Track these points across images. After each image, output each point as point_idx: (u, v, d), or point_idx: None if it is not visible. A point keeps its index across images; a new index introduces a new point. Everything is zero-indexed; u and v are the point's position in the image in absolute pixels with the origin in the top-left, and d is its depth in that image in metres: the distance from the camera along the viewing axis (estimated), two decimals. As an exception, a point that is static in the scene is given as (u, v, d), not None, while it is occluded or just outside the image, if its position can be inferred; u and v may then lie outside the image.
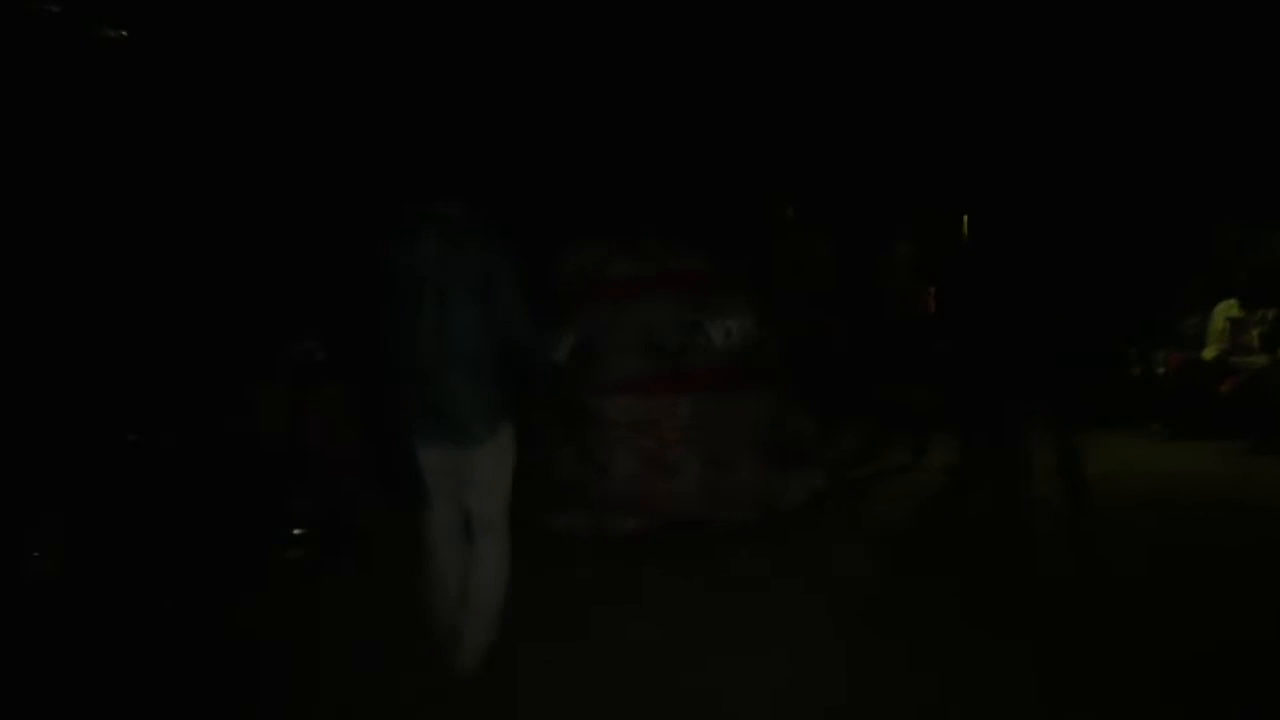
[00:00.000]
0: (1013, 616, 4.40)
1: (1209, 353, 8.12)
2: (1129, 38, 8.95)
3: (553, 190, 7.88)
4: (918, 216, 8.25)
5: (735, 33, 9.04)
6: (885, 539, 5.68)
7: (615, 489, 4.82)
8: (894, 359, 7.56)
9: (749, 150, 9.38)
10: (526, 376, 3.74)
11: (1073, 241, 6.15)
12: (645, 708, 3.55)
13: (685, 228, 5.42)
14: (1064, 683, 3.69)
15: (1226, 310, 8.15)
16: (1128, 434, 8.08)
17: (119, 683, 3.95)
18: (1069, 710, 3.51)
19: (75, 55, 6.66)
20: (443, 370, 3.45)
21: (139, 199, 7.01)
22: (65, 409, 5.51)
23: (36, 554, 4.89)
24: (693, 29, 8.90)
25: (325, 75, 7.80)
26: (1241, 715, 3.48)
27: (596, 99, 8.83)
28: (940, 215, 8.30)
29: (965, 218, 7.66)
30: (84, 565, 4.94)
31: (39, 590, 4.80)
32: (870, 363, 7.65)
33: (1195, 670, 3.76)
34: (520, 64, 8.48)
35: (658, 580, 4.79)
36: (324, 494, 5.84)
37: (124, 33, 6.90)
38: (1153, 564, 5.08)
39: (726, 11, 8.96)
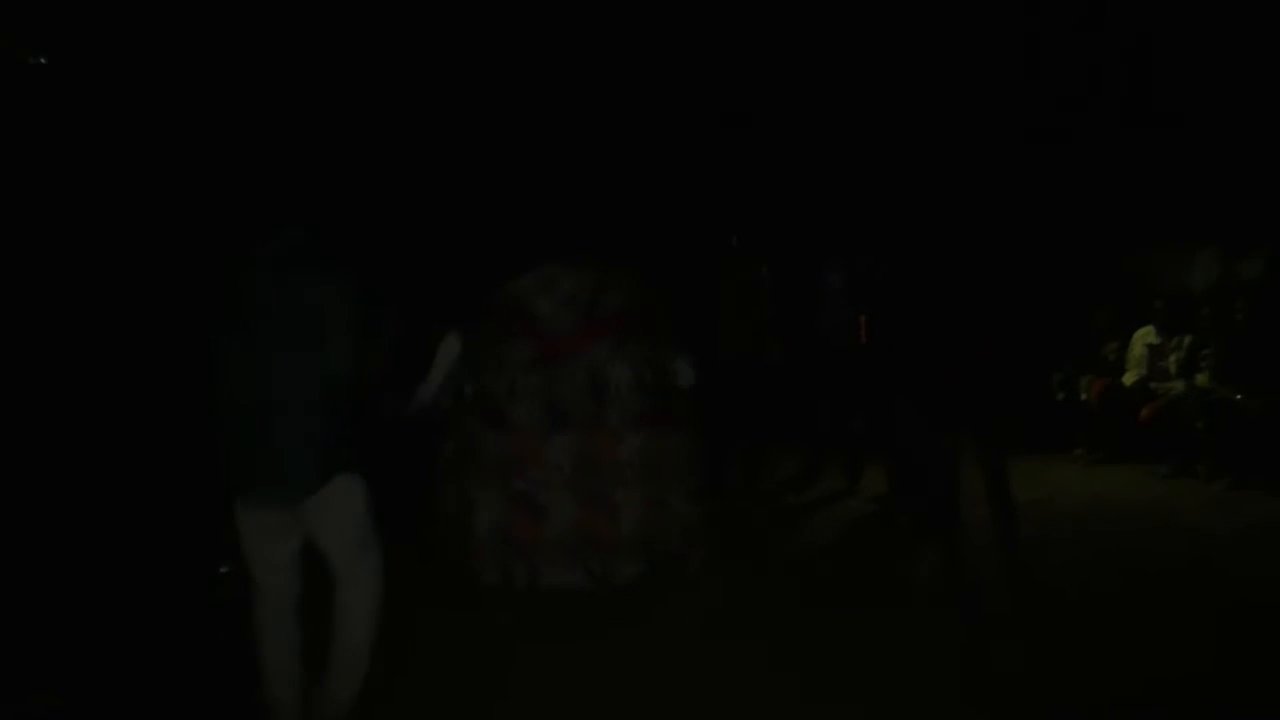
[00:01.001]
0: (947, 644, 4.34)
1: (1128, 378, 8.22)
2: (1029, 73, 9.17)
3: (483, 218, 7.69)
4: (848, 248, 8.28)
5: (680, 65, 9.02)
6: (814, 569, 5.59)
7: (553, 535, 4.40)
8: (830, 386, 7.55)
9: (690, 180, 9.34)
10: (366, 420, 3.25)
11: (998, 270, 6.19)
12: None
13: (619, 257, 5.18)
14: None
15: (1144, 337, 8.27)
16: (1052, 459, 8.15)
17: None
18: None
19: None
20: (267, 415, 2.99)
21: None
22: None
23: None
24: (635, 58, 8.85)
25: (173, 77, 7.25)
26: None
27: (529, 123, 8.69)
28: (868, 248, 8.34)
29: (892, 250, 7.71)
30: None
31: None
32: (809, 389, 7.64)
33: (1139, 694, 3.76)
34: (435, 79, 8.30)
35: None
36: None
37: None
38: (1084, 587, 5.11)
39: (668, 45, 8.95)
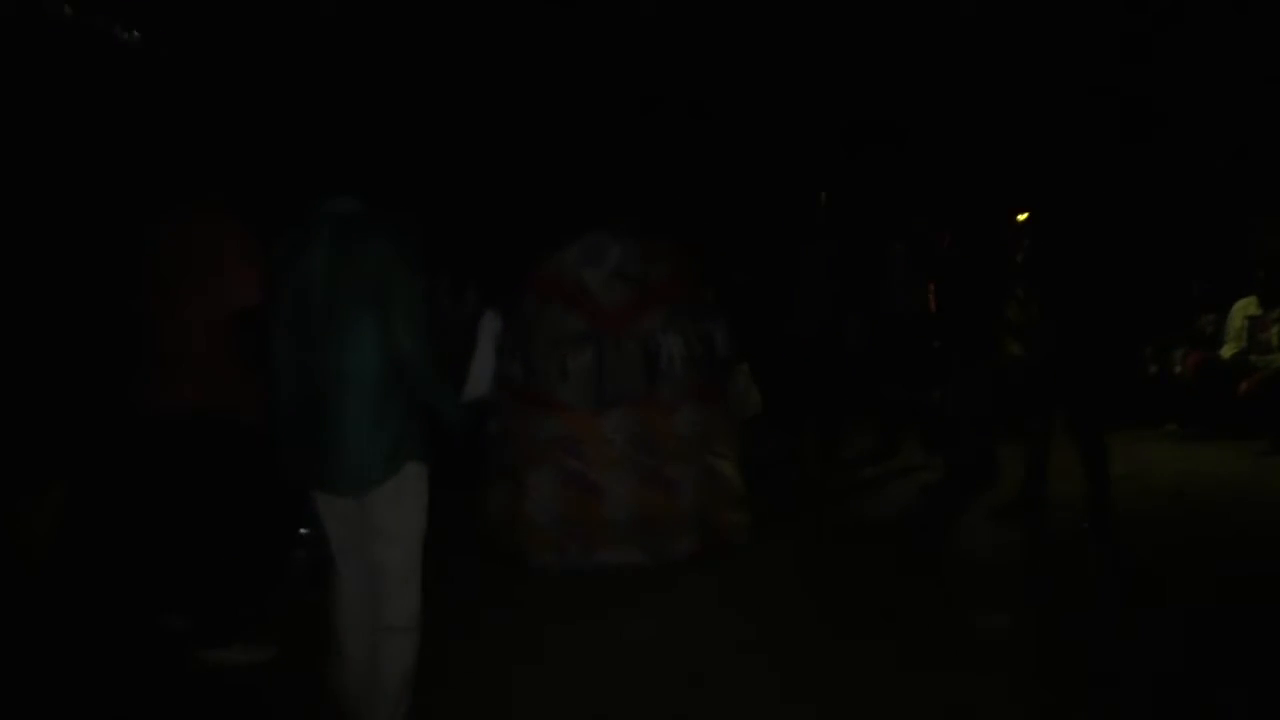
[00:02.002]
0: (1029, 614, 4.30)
1: (1227, 351, 7.77)
2: (1136, 38, 8.66)
3: (522, 189, 7.48)
4: (912, 216, 7.99)
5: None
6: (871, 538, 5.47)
7: (609, 514, 4.21)
8: (904, 358, 7.32)
9: (757, 147, 9.09)
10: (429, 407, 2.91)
11: (1100, 242, 5.90)
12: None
13: (665, 223, 4.98)
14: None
15: (1245, 308, 7.80)
16: (1143, 434, 7.77)
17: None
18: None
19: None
20: (330, 397, 2.77)
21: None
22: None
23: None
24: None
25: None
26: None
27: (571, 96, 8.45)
28: (935, 216, 8.04)
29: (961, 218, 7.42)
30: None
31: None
32: (881, 361, 7.39)
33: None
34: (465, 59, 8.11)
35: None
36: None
37: None
38: (1176, 562, 4.87)
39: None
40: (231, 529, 3.76)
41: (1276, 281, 7.64)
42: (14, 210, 5.16)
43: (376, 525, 2.87)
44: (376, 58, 7.28)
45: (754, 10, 8.54)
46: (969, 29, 8.80)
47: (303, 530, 5.22)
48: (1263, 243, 8.60)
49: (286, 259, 2.86)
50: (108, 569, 4.12)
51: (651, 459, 4.08)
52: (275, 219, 3.07)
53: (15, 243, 4.97)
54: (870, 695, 3.45)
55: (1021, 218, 9.02)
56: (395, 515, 2.85)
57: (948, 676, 3.59)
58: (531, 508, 4.15)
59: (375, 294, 2.75)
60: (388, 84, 7.30)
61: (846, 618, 4.13)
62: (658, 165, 8.29)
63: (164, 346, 3.71)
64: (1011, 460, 6.13)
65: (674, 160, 8.51)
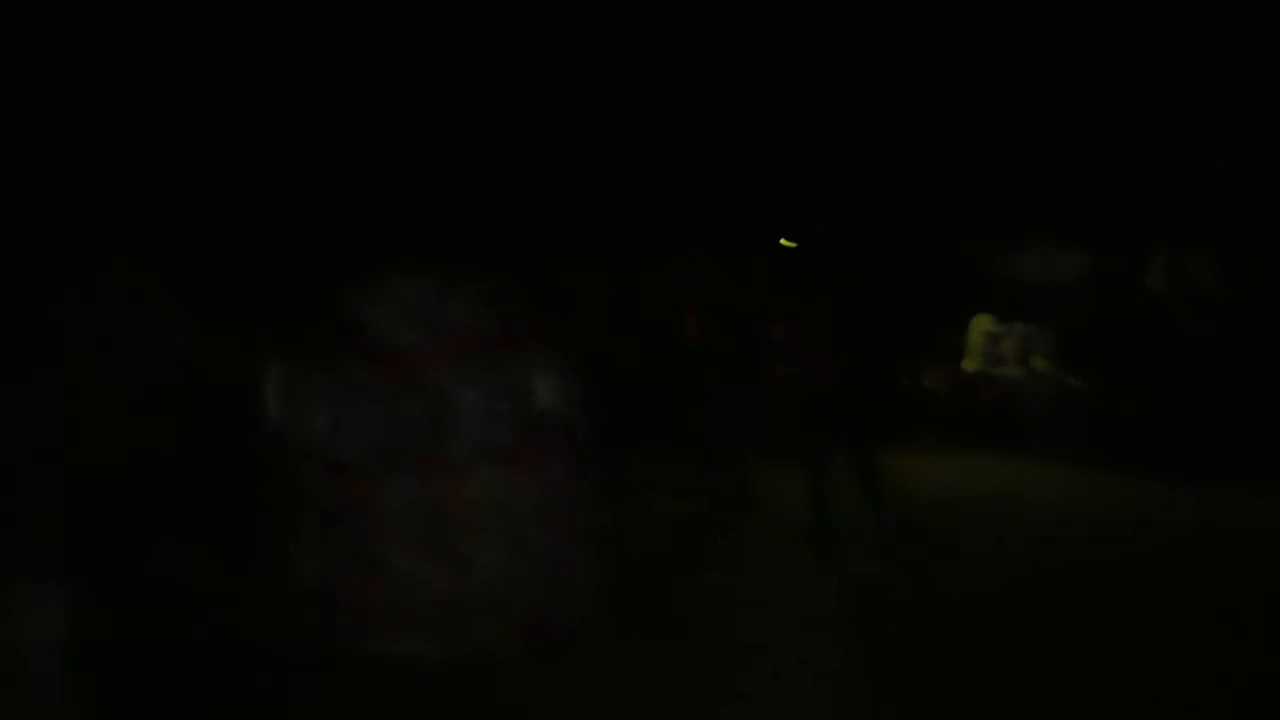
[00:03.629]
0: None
1: (969, 365, 8.14)
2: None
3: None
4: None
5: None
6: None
7: (387, 593, 3.38)
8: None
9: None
10: None
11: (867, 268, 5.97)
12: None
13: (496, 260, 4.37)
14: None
15: (981, 325, 8.21)
16: (899, 448, 7.98)
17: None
18: None
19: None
20: None
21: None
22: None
23: None
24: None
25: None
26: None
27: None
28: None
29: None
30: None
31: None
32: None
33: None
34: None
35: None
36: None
37: None
38: (957, 572, 4.99)
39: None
40: None
41: (1009, 300, 8.08)
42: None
43: None
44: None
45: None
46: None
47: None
48: (995, 265, 9.14)
49: None
50: None
51: (441, 531, 3.37)
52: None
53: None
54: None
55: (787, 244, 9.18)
56: None
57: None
58: (301, 584, 3.43)
59: None
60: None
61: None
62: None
63: None
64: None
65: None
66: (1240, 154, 7.85)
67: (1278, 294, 7.31)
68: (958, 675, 3.71)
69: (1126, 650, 3.91)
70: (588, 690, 3.46)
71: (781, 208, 9.10)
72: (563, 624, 3.33)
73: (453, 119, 7.58)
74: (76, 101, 5.97)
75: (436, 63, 7.58)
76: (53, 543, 2.95)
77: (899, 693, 3.59)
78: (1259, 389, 6.81)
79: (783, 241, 9.15)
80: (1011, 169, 8.80)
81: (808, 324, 5.53)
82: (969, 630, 4.17)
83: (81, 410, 3.18)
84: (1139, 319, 7.57)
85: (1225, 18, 7.97)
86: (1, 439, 2.71)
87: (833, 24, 8.74)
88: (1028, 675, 3.70)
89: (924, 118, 8.99)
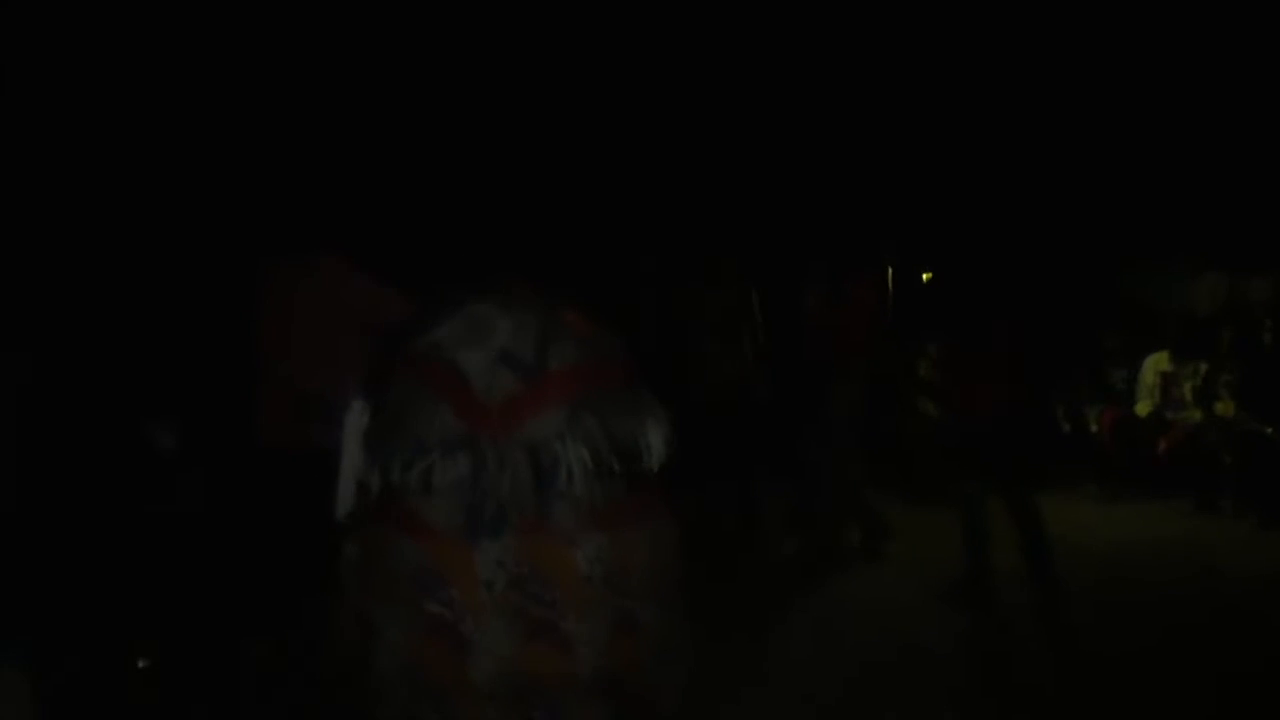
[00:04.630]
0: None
1: (1142, 408, 7.28)
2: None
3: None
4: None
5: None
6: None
7: (481, 676, 2.81)
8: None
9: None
10: None
11: (1009, 296, 5.40)
12: None
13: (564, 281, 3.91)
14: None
15: (1157, 363, 7.33)
16: (1063, 495, 7.20)
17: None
18: None
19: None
20: None
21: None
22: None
23: None
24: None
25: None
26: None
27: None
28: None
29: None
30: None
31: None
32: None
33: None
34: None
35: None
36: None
37: None
38: (1121, 641, 4.35)
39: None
40: None
41: (1190, 336, 7.24)
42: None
43: None
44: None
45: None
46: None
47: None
48: (1162, 297, 8.29)
49: None
50: None
51: (541, 606, 2.83)
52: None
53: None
54: None
55: (926, 276, 8.58)
56: None
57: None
58: (381, 660, 2.89)
59: None
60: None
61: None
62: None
63: None
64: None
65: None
66: None
67: None
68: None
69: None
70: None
71: (922, 234, 8.49)
72: (670, 701, 2.85)
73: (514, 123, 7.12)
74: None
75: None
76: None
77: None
78: None
79: (924, 276, 8.57)
80: (1187, 193, 7.95)
81: (967, 358, 5.00)
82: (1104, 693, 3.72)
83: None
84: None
85: None
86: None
87: (981, 42, 8.09)
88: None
89: (1086, 133, 8.23)
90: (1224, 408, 6.79)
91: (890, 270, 8.64)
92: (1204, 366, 7.06)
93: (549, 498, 2.78)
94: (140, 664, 4.06)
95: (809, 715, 3.48)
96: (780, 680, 3.91)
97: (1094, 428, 7.42)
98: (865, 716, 3.55)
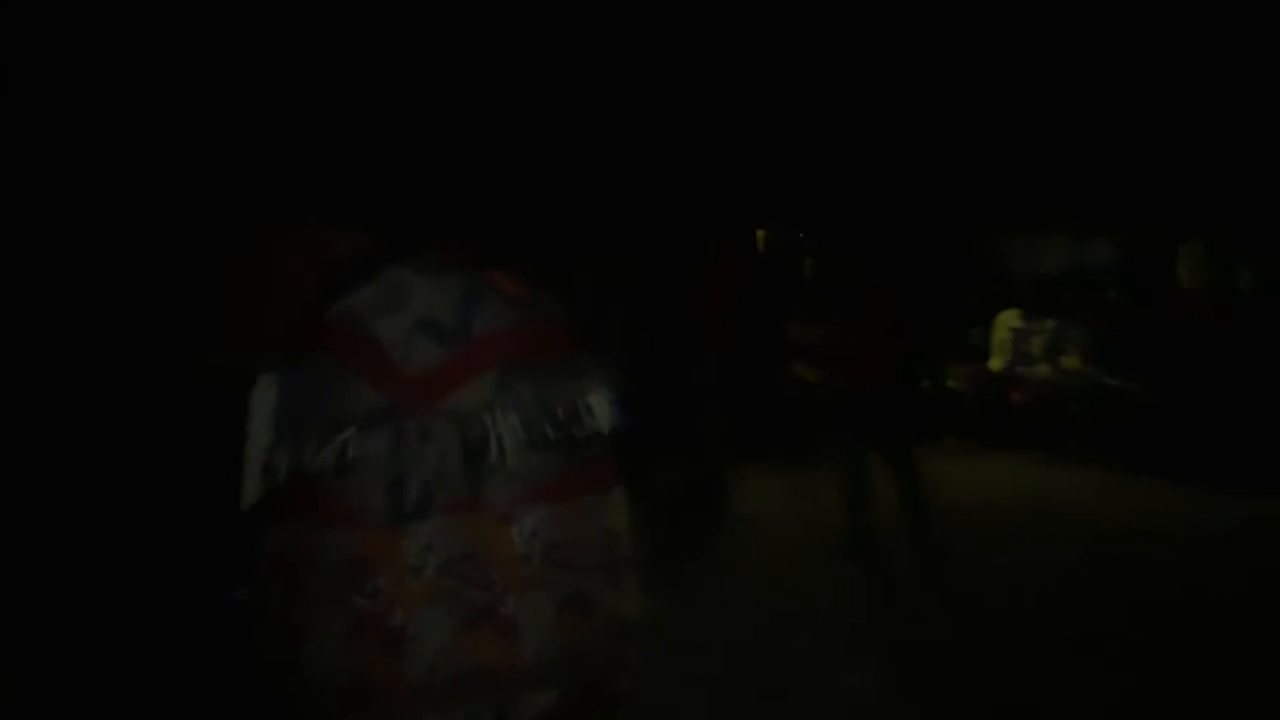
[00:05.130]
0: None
1: (995, 364, 7.60)
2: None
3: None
4: None
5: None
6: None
7: (419, 671, 2.52)
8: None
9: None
10: None
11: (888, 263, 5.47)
12: None
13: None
14: None
15: (1008, 321, 7.66)
16: (926, 450, 7.47)
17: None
18: None
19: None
20: None
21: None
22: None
23: None
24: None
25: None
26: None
27: None
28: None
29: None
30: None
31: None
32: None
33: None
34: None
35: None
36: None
37: None
38: (997, 586, 4.55)
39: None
40: None
41: (1038, 295, 7.58)
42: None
43: None
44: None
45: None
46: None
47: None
48: (1011, 259, 8.65)
49: None
50: None
51: (478, 590, 2.56)
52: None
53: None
54: None
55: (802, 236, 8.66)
56: None
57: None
58: (309, 664, 2.58)
59: None
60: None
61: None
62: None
63: None
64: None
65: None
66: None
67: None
68: (987, 691, 3.36)
69: (1157, 664, 3.54)
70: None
71: (788, 200, 8.54)
72: (626, 682, 2.63)
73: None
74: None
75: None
76: None
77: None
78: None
79: (801, 235, 8.64)
80: (1035, 157, 8.25)
81: (847, 325, 5.03)
82: (996, 647, 3.79)
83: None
84: (1173, 316, 7.08)
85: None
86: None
87: (841, 13, 8.14)
88: (1055, 690, 3.34)
89: (941, 105, 8.43)
90: (1070, 362, 7.14)
91: (762, 240, 8.71)
92: (1051, 323, 7.40)
93: (480, 473, 2.55)
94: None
95: (706, 680, 3.41)
96: (676, 645, 3.85)
97: (953, 384, 7.68)
98: (761, 676, 3.51)
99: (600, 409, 2.59)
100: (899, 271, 5.60)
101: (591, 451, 2.64)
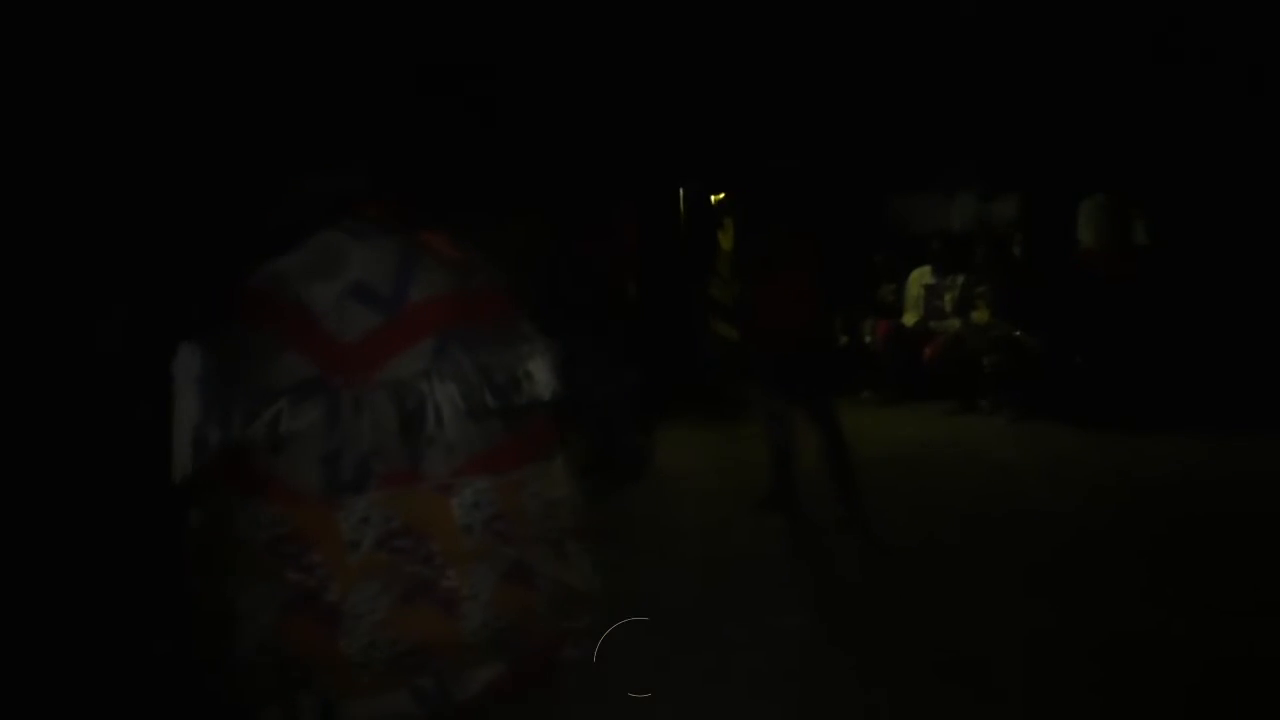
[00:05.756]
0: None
1: (909, 319, 7.71)
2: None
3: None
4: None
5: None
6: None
7: (355, 646, 2.41)
8: None
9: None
10: None
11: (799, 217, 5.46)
12: None
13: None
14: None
15: (920, 277, 7.77)
16: (840, 402, 7.58)
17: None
18: None
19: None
20: None
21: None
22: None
23: None
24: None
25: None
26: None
27: None
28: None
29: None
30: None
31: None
32: None
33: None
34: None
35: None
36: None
37: None
38: (914, 528, 4.67)
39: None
40: None
41: (948, 252, 7.70)
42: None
43: None
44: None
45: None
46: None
47: None
48: (919, 217, 8.76)
49: None
50: None
51: (417, 564, 2.46)
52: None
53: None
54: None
55: (716, 198, 8.62)
56: None
57: None
58: (243, 642, 2.44)
59: None
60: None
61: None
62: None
63: None
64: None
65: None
66: (1176, 103, 7.52)
67: (1206, 245, 7.08)
68: (917, 632, 3.41)
69: (1062, 601, 3.63)
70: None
71: (705, 159, 8.48)
72: (574, 651, 2.62)
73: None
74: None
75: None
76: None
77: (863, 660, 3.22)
78: (1187, 340, 6.59)
79: (713, 198, 8.60)
80: (941, 114, 8.31)
81: (768, 284, 5.02)
82: (923, 589, 3.85)
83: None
84: (1073, 271, 7.27)
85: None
86: None
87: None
88: (982, 629, 3.41)
89: (855, 68, 8.44)
90: (980, 315, 7.28)
91: (681, 196, 8.64)
92: (961, 279, 7.53)
93: (417, 444, 2.42)
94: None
95: (662, 637, 3.41)
96: (626, 604, 3.83)
97: (868, 339, 7.78)
98: (712, 626, 3.51)
99: (540, 375, 2.54)
100: (816, 231, 5.61)
101: (531, 419, 2.59)
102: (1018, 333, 6.91)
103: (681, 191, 8.68)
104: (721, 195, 7.93)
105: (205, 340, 2.48)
